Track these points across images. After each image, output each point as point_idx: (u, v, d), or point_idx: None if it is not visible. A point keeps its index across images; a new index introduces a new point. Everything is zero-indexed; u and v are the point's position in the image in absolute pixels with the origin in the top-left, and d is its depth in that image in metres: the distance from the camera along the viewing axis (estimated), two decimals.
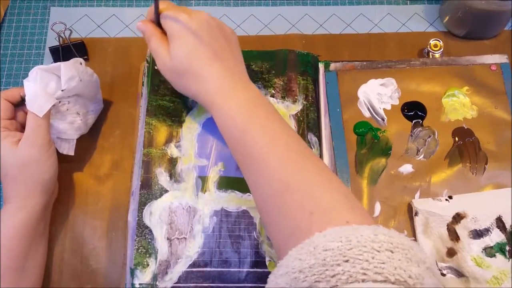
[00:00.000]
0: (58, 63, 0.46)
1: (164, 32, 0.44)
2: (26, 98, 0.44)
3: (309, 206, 0.34)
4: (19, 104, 0.47)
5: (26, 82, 0.45)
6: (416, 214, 0.48)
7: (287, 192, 0.35)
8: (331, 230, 0.31)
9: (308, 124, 0.52)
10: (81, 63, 0.48)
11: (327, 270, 0.28)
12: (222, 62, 0.42)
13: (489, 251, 0.46)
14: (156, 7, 0.43)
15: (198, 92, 0.42)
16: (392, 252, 0.29)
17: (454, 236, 0.47)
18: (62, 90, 0.46)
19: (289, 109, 0.53)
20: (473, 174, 0.50)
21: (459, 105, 0.53)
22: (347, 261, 0.28)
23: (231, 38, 0.45)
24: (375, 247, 0.29)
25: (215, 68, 0.42)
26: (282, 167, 0.37)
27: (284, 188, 0.36)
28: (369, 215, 0.35)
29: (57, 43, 0.56)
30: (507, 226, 0.47)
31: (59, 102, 0.47)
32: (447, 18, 0.59)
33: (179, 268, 0.46)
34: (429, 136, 0.52)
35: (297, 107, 0.53)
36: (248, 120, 0.40)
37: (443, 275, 0.46)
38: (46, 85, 0.46)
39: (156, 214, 0.47)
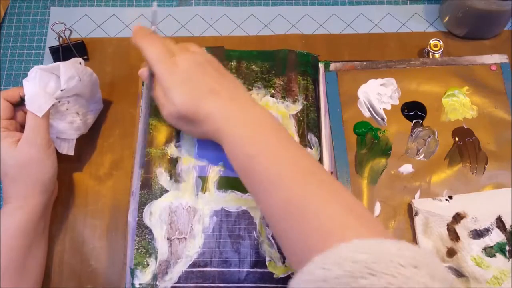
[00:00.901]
0: (58, 63, 0.46)
1: None
2: (26, 98, 0.44)
3: (322, 227, 0.34)
4: (19, 104, 0.47)
5: (25, 82, 0.45)
6: (416, 214, 0.48)
7: (298, 215, 0.35)
8: (357, 241, 0.31)
9: (308, 124, 0.52)
10: (80, 63, 0.48)
11: (353, 282, 0.29)
12: (222, 94, 0.42)
13: (489, 251, 0.46)
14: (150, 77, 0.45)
15: (208, 132, 0.42)
16: (416, 268, 0.29)
17: (454, 236, 0.47)
18: (61, 90, 0.46)
19: (289, 109, 0.53)
20: (473, 174, 0.50)
21: (459, 105, 0.53)
22: (373, 274, 0.28)
23: (217, 65, 0.45)
24: (400, 262, 0.29)
25: (217, 102, 0.41)
26: (290, 190, 0.37)
27: (295, 210, 0.36)
28: (383, 228, 0.35)
29: (57, 43, 0.56)
30: (507, 226, 0.47)
31: (59, 102, 0.47)
32: (447, 18, 0.59)
33: (179, 268, 0.46)
34: (429, 136, 0.52)
35: (297, 107, 0.53)
36: (254, 146, 0.40)
37: None
38: (46, 85, 0.46)
39: (156, 214, 0.47)
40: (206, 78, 0.43)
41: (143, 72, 0.46)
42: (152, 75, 0.45)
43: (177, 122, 0.44)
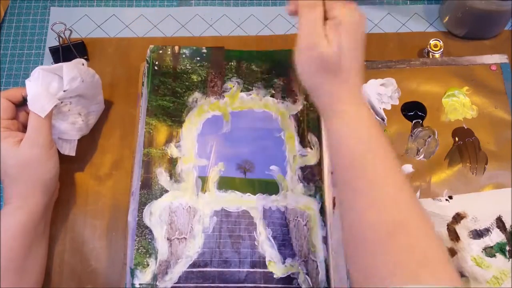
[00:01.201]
0: (60, 63, 0.46)
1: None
2: (28, 98, 0.44)
3: (419, 254, 0.33)
4: (21, 104, 0.47)
5: (28, 82, 0.45)
6: None
7: (399, 231, 0.34)
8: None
9: (308, 124, 0.52)
10: (83, 64, 0.48)
11: None
12: (361, 77, 0.40)
13: (489, 251, 0.46)
14: None
15: (331, 93, 0.38)
16: None
17: (454, 236, 0.47)
18: (64, 91, 0.46)
19: (289, 109, 0.53)
20: (473, 174, 0.51)
21: (459, 105, 0.53)
22: None
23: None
24: None
25: (358, 79, 0.39)
26: (397, 203, 0.35)
27: (397, 225, 0.34)
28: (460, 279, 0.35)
29: (57, 43, 0.56)
30: (507, 226, 0.47)
31: (61, 102, 0.47)
32: (447, 18, 0.59)
33: (179, 268, 0.46)
34: (429, 136, 0.52)
35: (297, 107, 0.53)
36: (373, 142, 0.37)
37: None
38: (48, 85, 0.46)
39: (156, 214, 0.47)
40: (362, 57, 0.40)
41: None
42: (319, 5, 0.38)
43: (313, 61, 0.38)
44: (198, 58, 0.54)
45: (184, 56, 0.54)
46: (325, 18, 0.39)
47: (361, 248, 0.36)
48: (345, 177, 0.38)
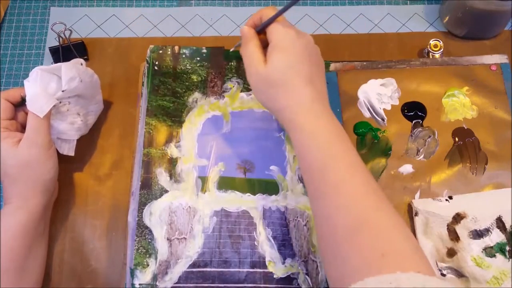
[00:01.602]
0: (59, 63, 0.46)
1: (261, 40, 0.44)
2: (27, 99, 0.44)
3: (381, 247, 0.34)
4: (20, 104, 0.47)
5: (26, 82, 0.45)
6: (416, 214, 0.48)
7: (361, 229, 0.35)
8: (416, 275, 0.31)
9: None
10: (81, 64, 0.48)
11: None
12: (315, 87, 0.42)
13: (489, 251, 0.46)
14: (274, 18, 0.43)
15: (284, 108, 0.41)
16: None
17: (454, 236, 0.47)
18: (62, 91, 0.46)
19: None
20: (473, 174, 0.50)
21: (459, 105, 0.53)
22: None
23: (323, 68, 0.45)
24: None
25: (308, 91, 0.41)
26: (358, 202, 0.37)
27: (359, 224, 0.36)
28: (432, 268, 0.35)
29: (57, 43, 0.56)
30: (507, 226, 0.47)
31: (60, 102, 0.47)
32: (447, 18, 0.59)
33: (179, 268, 0.46)
34: (429, 136, 0.52)
35: None
36: (332, 148, 0.39)
37: (443, 275, 0.46)
38: (47, 86, 0.46)
39: (156, 214, 0.47)
40: (311, 65, 0.43)
41: (246, 29, 0.45)
42: (259, 31, 0.44)
43: (259, 83, 0.43)
44: (198, 58, 0.54)
45: (184, 56, 0.54)
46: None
47: (330, 249, 0.37)
48: (309, 185, 0.40)
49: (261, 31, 0.44)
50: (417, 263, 0.33)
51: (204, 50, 0.55)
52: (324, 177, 0.39)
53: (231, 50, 0.51)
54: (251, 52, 0.43)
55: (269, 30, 0.43)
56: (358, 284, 0.32)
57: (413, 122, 0.53)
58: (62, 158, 0.48)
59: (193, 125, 0.52)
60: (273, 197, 0.49)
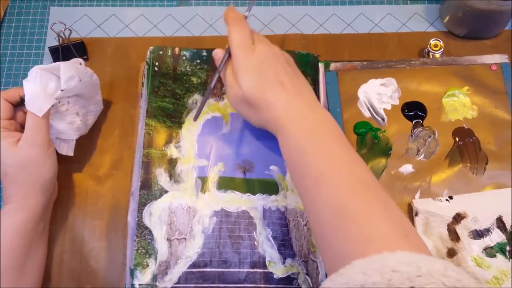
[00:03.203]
0: (58, 63, 0.46)
1: None
2: (26, 98, 0.44)
3: (366, 232, 0.34)
4: (19, 104, 0.47)
5: (25, 82, 0.45)
6: (416, 214, 0.48)
7: (344, 216, 0.36)
8: (402, 253, 0.31)
9: None
10: (80, 63, 0.48)
11: None
12: (288, 88, 0.43)
13: (490, 251, 0.46)
14: (225, 57, 0.46)
15: (267, 120, 0.43)
16: None
17: (454, 236, 0.47)
18: (61, 90, 0.46)
19: None
20: (473, 174, 0.50)
21: (459, 105, 0.53)
22: (413, 287, 0.28)
23: (292, 62, 0.47)
24: (444, 281, 0.29)
25: (282, 94, 0.42)
26: (342, 191, 0.37)
27: (342, 211, 0.36)
28: (427, 248, 0.35)
29: (57, 43, 0.56)
30: (508, 226, 0.47)
31: (59, 102, 0.47)
32: (447, 18, 0.59)
33: (179, 269, 0.46)
34: (429, 136, 0.52)
35: None
36: (310, 143, 0.40)
37: None
38: (46, 85, 0.46)
39: (156, 215, 0.47)
40: (278, 69, 0.44)
41: (217, 52, 0.47)
42: (228, 56, 0.46)
43: (239, 105, 0.45)
44: (198, 61, 0.54)
45: (184, 58, 0.54)
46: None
47: (321, 241, 0.38)
48: (296, 183, 0.42)
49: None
50: (404, 243, 0.33)
51: (204, 53, 0.55)
52: (305, 173, 0.39)
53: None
54: (229, 79, 0.45)
55: (232, 52, 0.45)
56: (346, 268, 0.32)
57: (413, 122, 0.53)
58: (61, 158, 0.48)
59: (192, 126, 0.52)
60: (273, 197, 0.49)
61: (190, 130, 0.51)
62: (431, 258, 0.31)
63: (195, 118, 0.48)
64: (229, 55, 0.46)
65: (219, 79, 0.48)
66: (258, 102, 0.43)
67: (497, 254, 0.46)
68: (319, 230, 0.38)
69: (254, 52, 0.44)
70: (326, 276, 0.46)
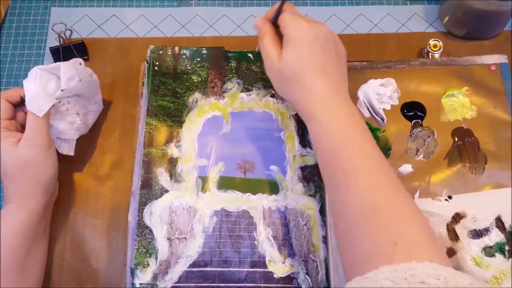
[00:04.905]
0: (58, 63, 0.46)
1: (278, 33, 0.45)
2: (26, 98, 0.44)
3: (394, 235, 0.34)
4: (19, 104, 0.47)
5: (25, 82, 0.45)
6: None
7: (375, 216, 0.36)
8: (431, 265, 0.31)
9: None
10: (80, 63, 0.48)
11: None
12: (329, 77, 0.42)
13: (489, 251, 0.46)
14: (280, 7, 0.44)
15: (299, 101, 0.43)
16: None
17: (453, 236, 0.47)
18: (61, 90, 0.46)
19: (289, 109, 0.53)
20: (472, 174, 0.51)
21: (458, 105, 0.53)
22: None
23: (342, 54, 0.45)
24: None
25: (321, 82, 0.42)
26: (373, 189, 0.37)
27: (373, 211, 0.36)
28: (447, 257, 0.36)
29: (58, 44, 0.56)
30: (507, 226, 0.47)
31: (59, 102, 0.47)
32: (446, 18, 0.59)
33: (180, 268, 0.46)
34: (429, 136, 0.52)
35: None
36: (345, 136, 0.40)
37: None
38: (46, 85, 0.46)
39: (157, 214, 0.47)
40: (324, 55, 0.43)
41: (259, 22, 0.46)
42: (273, 23, 0.45)
43: (275, 76, 0.44)
44: (198, 59, 0.54)
45: (184, 56, 0.54)
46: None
47: (344, 236, 0.38)
48: (325, 175, 0.42)
49: (274, 22, 0.45)
50: (431, 253, 0.33)
51: (205, 51, 0.55)
52: (338, 166, 0.39)
53: (256, 50, 0.50)
54: (266, 47, 0.44)
55: (281, 23, 0.44)
56: (373, 272, 0.32)
57: (413, 122, 0.53)
58: (62, 158, 0.48)
59: (193, 125, 0.52)
60: (273, 196, 0.49)
61: (191, 129, 0.51)
62: (459, 274, 0.31)
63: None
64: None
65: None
66: (295, 79, 0.42)
67: (496, 254, 0.46)
68: (344, 226, 0.38)
69: (311, 30, 0.42)
70: (326, 274, 0.46)
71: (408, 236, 0.34)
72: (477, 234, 0.47)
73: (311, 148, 0.51)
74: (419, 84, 0.54)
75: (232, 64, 0.55)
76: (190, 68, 0.54)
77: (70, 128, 0.49)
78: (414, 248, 0.33)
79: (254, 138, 0.52)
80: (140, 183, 0.48)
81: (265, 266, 0.46)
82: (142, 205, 0.48)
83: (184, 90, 0.53)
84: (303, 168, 0.51)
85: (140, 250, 0.46)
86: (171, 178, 0.49)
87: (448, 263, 0.34)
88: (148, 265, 0.46)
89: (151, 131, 0.51)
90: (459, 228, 0.47)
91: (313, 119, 0.42)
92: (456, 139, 0.52)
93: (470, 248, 0.46)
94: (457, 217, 0.48)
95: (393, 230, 0.34)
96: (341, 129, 0.40)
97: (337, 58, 0.44)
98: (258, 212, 0.49)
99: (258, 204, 0.49)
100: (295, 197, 0.49)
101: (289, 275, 0.46)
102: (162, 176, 0.49)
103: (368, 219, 0.36)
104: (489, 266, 0.45)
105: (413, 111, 0.53)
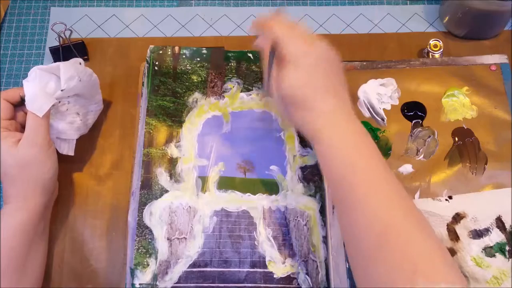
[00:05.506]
0: (57, 63, 0.46)
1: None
2: (26, 98, 0.44)
3: (411, 260, 0.33)
4: (19, 104, 0.47)
5: (25, 82, 0.45)
6: None
7: (389, 236, 0.35)
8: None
9: None
10: (80, 63, 0.48)
11: None
12: (335, 97, 0.41)
13: (489, 251, 0.46)
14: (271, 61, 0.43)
15: (305, 124, 0.41)
16: None
17: (454, 236, 0.47)
18: (61, 90, 0.46)
19: None
20: (473, 174, 0.51)
21: (459, 105, 0.53)
22: None
23: (341, 71, 0.44)
24: None
25: (328, 104, 0.40)
26: (386, 210, 0.36)
27: (387, 231, 0.35)
28: (464, 278, 0.35)
29: (57, 43, 0.56)
30: (507, 226, 0.47)
31: (59, 102, 0.47)
32: (447, 18, 0.59)
33: (179, 268, 0.46)
34: (429, 136, 0.52)
35: None
36: (354, 158, 0.39)
37: None
38: (46, 85, 0.46)
39: (156, 214, 0.47)
40: (329, 75, 0.41)
41: (262, 42, 0.44)
42: (272, 51, 0.43)
43: (280, 99, 0.42)
44: (198, 59, 0.54)
45: (184, 56, 0.54)
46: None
47: (359, 264, 0.37)
48: (336, 196, 0.40)
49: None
50: (449, 275, 0.33)
51: (204, 51, 0.55)
52: (348, 189, 0.38)
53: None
54: (266, 72, 0.43)
55: (280, 45, 0.41)
56: None
57: (413, 122, 0.53)
58: (62, 158, 0.48)
59: (193, 125, 0.52)
60: (273, 197, 0.49)
61: (191, 129, 0.51)
62: None
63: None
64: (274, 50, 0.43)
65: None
66: (298, 102, 0.41)
67: (497, 254, 0.46)
68: (358, 247, 0.37)
69: (310, 51, 0.41)
70: (326, 274, 0.46)
71: (425, 260, 0.33)
72: (478, 234, 0.47)
73: (311, 148, 0.51)
74: (420, 84, 0.54)
75: (232, 64, 0.55)
76: (190, 68, 0.54)
77: (70, 128, 0.49)
78: (433, 273, 0.33)
79: (254, 138, 0.52)
80: (140, 183, 0.48)
81: (265, 266, 0.46)
82: (142, 205, 0.48)
83: (184, 90, 0.53)
84: (303, 168, 0.51)
85: (140, 250, 0.46)
86: (171, 178, 0.49)
87: (465, 283, 0.33)
88: (148, 265, 0.46)
89: (151, 131, 0.51)
90: (459, 228, 0.47)
91: (319, 142, 0.40)
92: (457, 139, 0.52)
93: (471, 248, 0.46)
94: (458, 217, 0.48)
95: (409, 254, 0.34)
96: (347, 150, 0.39)
97: (338, 77, 0.43)
98: (258, 212, 0.48)
99: (258, 204, 0.49)
100: (295, 197, 0.49)
101: (289, 276, 0.46)
102: (162, 176, 0.49)
103: (381, 244, 0.35)
104: (489, 266, 0.45)
105: (413, 111, 0.53)
